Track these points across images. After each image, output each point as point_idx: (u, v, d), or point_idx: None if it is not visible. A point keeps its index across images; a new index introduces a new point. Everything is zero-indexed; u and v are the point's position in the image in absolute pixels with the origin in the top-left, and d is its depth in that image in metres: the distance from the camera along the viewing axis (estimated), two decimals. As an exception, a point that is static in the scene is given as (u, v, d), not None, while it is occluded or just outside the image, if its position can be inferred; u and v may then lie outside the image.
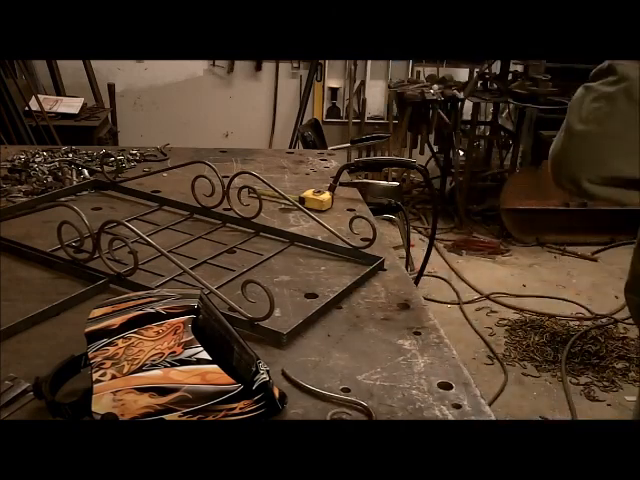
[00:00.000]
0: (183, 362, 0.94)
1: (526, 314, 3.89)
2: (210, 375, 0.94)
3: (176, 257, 1.38)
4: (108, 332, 0.97)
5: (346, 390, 1.10)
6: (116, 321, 0.98)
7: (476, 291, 4.20)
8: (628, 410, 3.04)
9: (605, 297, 4.16)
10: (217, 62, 5.52)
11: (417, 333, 1.29)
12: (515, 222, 4.73)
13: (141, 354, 0.94)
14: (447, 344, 1.26)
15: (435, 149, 5.32)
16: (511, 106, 5.16)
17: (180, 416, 0.93)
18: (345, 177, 2.11)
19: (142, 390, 0.93)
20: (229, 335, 1.05)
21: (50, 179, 2.04)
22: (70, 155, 2.24)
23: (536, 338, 3.62)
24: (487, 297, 4.11)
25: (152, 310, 0.99)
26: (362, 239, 1.64)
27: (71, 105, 4.37)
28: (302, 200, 1.88)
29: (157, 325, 0.97)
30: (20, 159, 2.15)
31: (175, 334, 0.96)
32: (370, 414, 1.04)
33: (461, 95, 4.87)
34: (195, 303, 1.00)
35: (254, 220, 1.74)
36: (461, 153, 5.16)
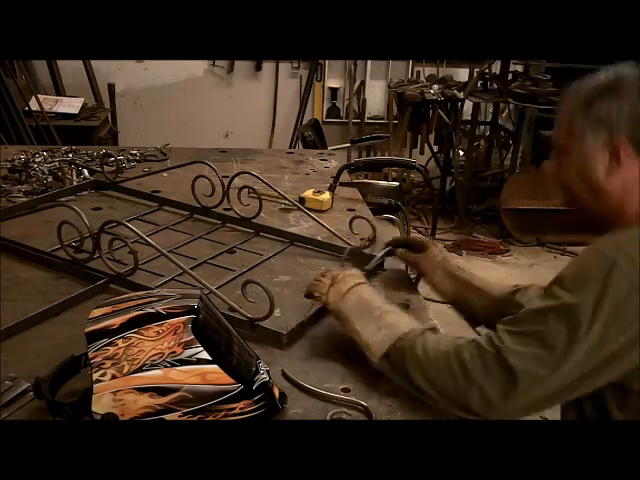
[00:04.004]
0: (183, 362, 0.94)
1: (526, 314, 3.88)
2: (210, 375, 0.94)
3: (176, 257, 1.38)
4: (108, 332, 0.97)
5: (346, 390, 1.10)
6: (116, 321, 0.98)
7: (476, 291, 4.19)
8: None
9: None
10: (217, 62, 5.51)
11: (417, 333, 1.29)
12: (515, 222, 4.72)
13: (141, 354, 0.94)
14: (447, 344, 1.26)
15: (435, 149, 5.32)
16: (511, 106, 5.15)
17: (180, 416, 0.93)
18: (345, 177, 2.10)
19: (142, 390, 0.93)
20: (229, 335, 1.05)
21: (50, 179, 2.04)
22: (70, 155, 2.24)
23: (536, 338, 3.61)
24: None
25: (152, 310, 0.99)
26: (362, 239, 1.63)
27: (71, 105, 4.36)
28: (302, 200, 1.88)
29: (157, 325, 0.97)
30: (20, 159, 2.15)
31: (175, 334, 0.96)
32: (370, 414, 1.04)
33: (461, 95, 4.86)
34: (195, 303, 1.00)
35: (254, 220, 1.74)
36: (461, 153, 5.16)
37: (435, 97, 4.85)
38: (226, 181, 1.76)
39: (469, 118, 5.03)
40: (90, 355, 0.95)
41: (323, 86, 5.66)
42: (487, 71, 4.99)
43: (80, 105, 4.41)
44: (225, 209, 1.78)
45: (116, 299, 1.05)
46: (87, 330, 0.97)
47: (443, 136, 5.11)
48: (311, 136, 3.73)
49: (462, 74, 5.43)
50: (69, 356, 1.07)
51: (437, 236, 4.79)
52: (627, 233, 1.00)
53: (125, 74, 5.38)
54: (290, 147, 5.33)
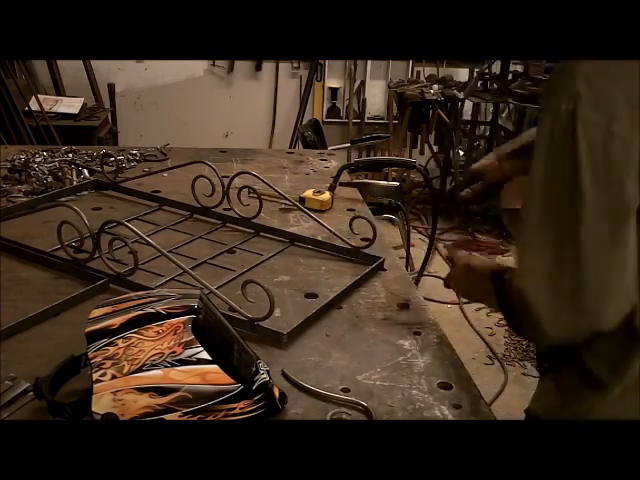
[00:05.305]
0: (183, 362, 0.94)
1: (526, 314, 3.88)
2: (210, 375, 0.94)
3: (176, 257, 1.38)
4: (108, 332, 0.97)
5: (346, 390, 1.10)
6: (116, 321, 0.98)
7: (476, 291, 4.20)
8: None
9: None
10: (217, 62, 5.51)
11: (417, 333, 1.29)
12: (515, 222, 4.73)
13: (141, 354, 0.94)
14: (447, 344, 1.26)
15: (435, 149, 5.32)
16: (511, 106, 5.15)
17: (180, 416, 0.93)
18: (345, 177, 2.10)
19: (142, 390, 0.93)
20: (229, 335, 1.05)
21: (50, 179, 2.04)
22: (70, 155, 2.24)
23: (536, 338, 3.62)
24: (487, 297, 4.10)
25: (152, 310, 0.99)
26: (362, 239, 1.63)
27: (71, 105, 4.37)
28: (302, 200, 1.88)
29: (157, 325, 0.97)
30: (20, 159, 2.15)
31: (175, 334, 0.96)
32: (370, 414, 1.04)
33: (461, 95, 4.86)
34: (195, 303, 1.00)
35: (254, 220, 1.74)
36: (461, 153, 5.16)
37: (435, 97, 4.85)
38: (226, 181, 1.76)
39: (469, 118, 5.03)
40: (90, 355, 0.95)
41: (323, 86, 5.66)
42: (487, 71, 4.99)
43: (80, 105, 4.41)
44: (225, 209, 1.78)
45: (116, 299, 1.05)
46: (87, 330, 0.98)
47: (443, 136, 5.11)
48: (311, 136, 3.74)
49: (462, 74, 5.43)
50: (69, 356, 1.07)
51: (437, 236, 4.80)
52: None
53: (125, 74, 5.39)
54: (290, 147, 5.33)
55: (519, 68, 4.99)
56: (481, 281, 1.16)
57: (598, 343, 1.00)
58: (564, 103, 0.88)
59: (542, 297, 0.95)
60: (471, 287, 1.25)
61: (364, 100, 5.63)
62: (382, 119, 5.73)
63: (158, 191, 1.96)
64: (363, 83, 5.66)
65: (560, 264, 0.92)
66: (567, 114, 0.88)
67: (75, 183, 2.00)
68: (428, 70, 5.50)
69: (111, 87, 5.09)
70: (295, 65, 5.59)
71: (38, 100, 4.10)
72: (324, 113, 5.71)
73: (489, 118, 5.41)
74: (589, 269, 0.91)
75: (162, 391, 0.93)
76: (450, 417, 1.05)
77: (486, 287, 1.12)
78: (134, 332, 0.96)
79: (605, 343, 1.00)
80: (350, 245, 1.60)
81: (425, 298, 1.44)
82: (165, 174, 2.09)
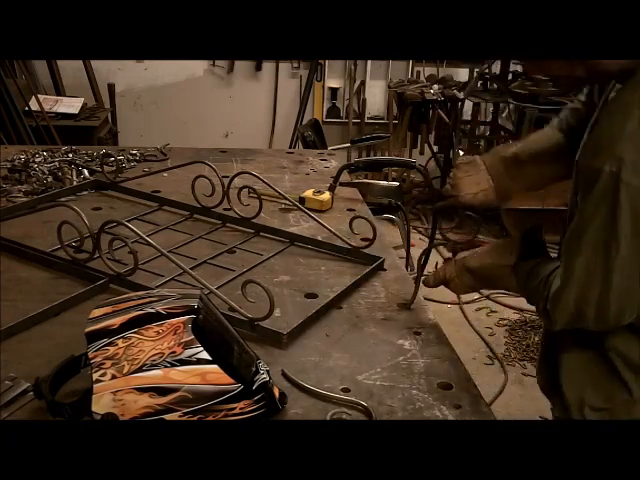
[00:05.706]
0: (183, 362, 0.94)
1: (526, 314, 3.88)
2: (210, 375, 0.94)
3: (176, 257, 1.38)
4: (108, 332, 0.97)
5: (346, 390, 1.10)
6: (116, 321, 0.98)
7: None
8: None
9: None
10: (217, 62, 5.51)
11: (417, 333, 1.29)
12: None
13: (141, 354, 0.94)
14: (447, 344, 1.26)
15: (435, 149, 5.31)
16: (511, 106, 5.15)
17: (180, 416, 0.93)
18: (345, 177, 2.10)
19: (142, 390, 0.93)
20: (229, 335, 1.05)
21: (50, 179, 2.04)
22: (70, 155, 2.24)
23: (536, 338, 3.61)
24: (487, 297, 4.10)
25: (152, 310, 0.99)
26: (362, 239, 1.63)
27: (71, 105, 4.36)
28: (302, 200, 1.88)
29: (157, 325, 0.97)
30: (20, 159, 2.15)
31: (175, 334, 0.96)
32: (370, 414, 1.04)
33: (461, 95, 4.85)
34: (195, 303, 1.00)
35: (254, 220, 1.74)
36: (461, 153, 5.16)
37: (435, 97, 4.84)
38: (226, 181, 1.76)
39: (469, 118, 5.03)
40: (90, 355, 0.95)
41: (323, 86, 5.66)
42: (487, 71, 4.99)
43: (80, 105, 4.41)
44: (225, 209, 1.78)
45: (116, 299, 1.05)
46: (87, 330, 0.97)
47: (443, 136, 5.10)
48: (311, 136, 3.73)
49: (462, 74, 5.43)
50: (69, 356, 1.07)
51: (437, 236, 4.80)
52: None
53: (125, 74, 5.38)
54: (290, 147, 5.33)
55: (519, 68, 4.99)
56: (494, 278, 1.28)
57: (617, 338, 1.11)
58: (608, 165, 0.95)
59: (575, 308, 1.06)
60: (483, 284, 1.36)
61: (364, 100, 5.62)
62: (382, 119, 5.73)
63: (158, 191, 1.96)
64: (363, 83, 5.65)
65: (589, 289, 1.04)
66: (611, 176, 0.95)
67: (75, 183, 2.00)
68: (428, 70, 5.50)
69: (111, 87, 5.08)
70: (295, 65, 5.59)
71: (38, 100, 4.10)
72: (324, 113, 5.70)
73: (489, 118, 5.40)
74: (613, 304, 1.02)
75: (162, 391, 0.93)
76: (450, 417, 1.05)
77: (503, 282, 1.26)
78: (134, 332, 0.96)
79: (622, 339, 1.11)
80: (350, 245, 1.60)
81: (425, 298, 1.44)
82: (165, 174, 2.09)
